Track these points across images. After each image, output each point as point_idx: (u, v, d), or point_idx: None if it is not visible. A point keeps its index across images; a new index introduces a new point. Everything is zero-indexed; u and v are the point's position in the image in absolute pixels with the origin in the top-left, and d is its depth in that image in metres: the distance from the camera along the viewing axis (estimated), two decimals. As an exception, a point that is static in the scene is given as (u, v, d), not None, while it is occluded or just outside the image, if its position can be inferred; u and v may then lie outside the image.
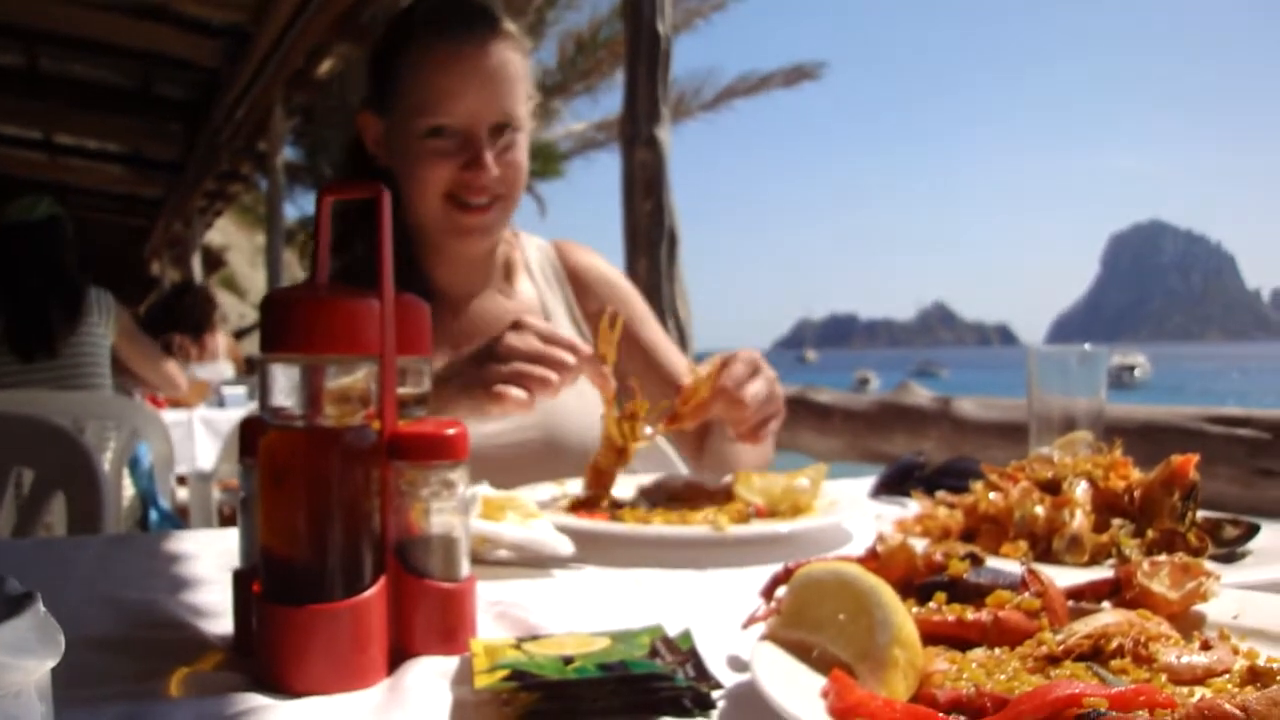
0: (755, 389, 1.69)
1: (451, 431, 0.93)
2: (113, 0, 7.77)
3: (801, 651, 0.83)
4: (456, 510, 0.94)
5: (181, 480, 4.86)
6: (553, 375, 1.57)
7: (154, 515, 4.21)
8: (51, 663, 0.58)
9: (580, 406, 2.08)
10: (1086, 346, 1.75)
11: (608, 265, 2.37)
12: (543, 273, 2.28)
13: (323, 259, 0.97)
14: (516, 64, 1.98)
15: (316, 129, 15.10)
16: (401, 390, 0.96)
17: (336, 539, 0.88)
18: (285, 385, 0.88)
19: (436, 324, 2.01)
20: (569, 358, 1.59)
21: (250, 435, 0.95)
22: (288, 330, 0.88)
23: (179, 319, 6.81)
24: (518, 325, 1.63)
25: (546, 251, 2.33)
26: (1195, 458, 1.32)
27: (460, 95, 1.91)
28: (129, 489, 4.31)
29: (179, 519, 4.38)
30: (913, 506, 1.54)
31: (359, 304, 0.90)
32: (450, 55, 1.92)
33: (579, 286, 2.29)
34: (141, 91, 10.39)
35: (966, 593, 0.91)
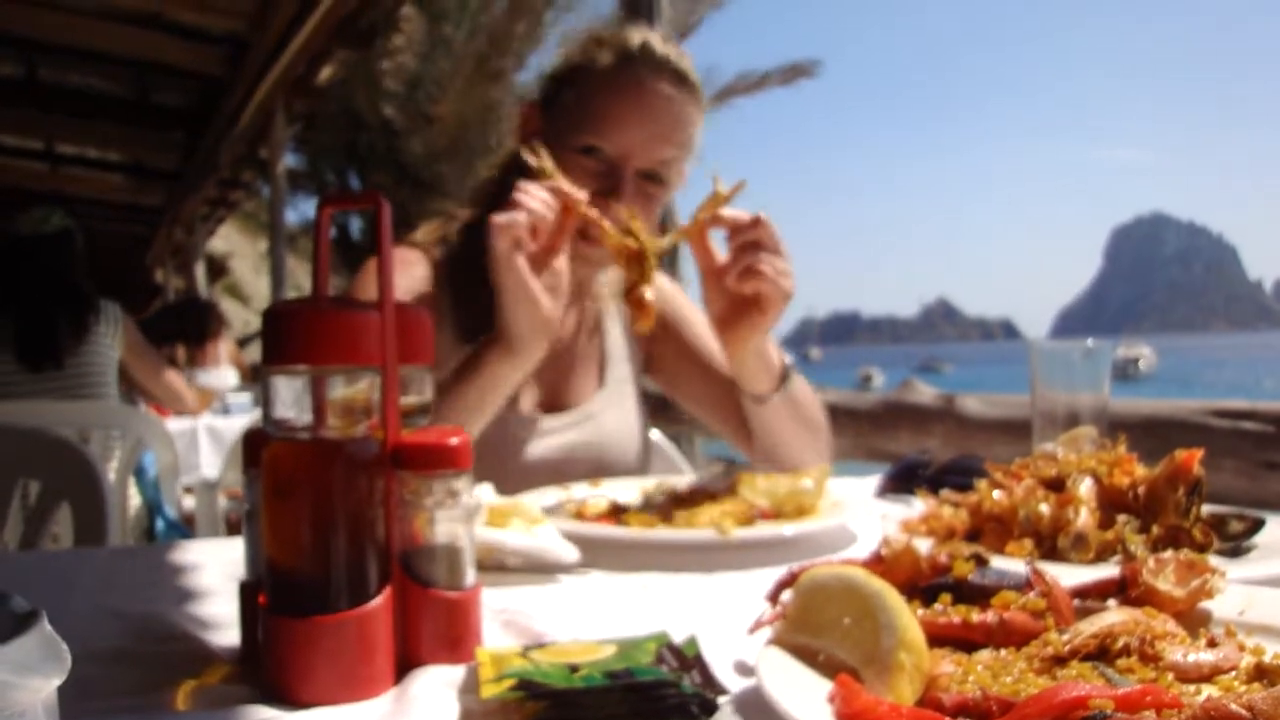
0: (769, 229, 1.78)
1: (455, 440, 0.93)
2: (110, 9, 7.77)
3: (807, 656, 0.83)
4: (461, 519, 0.94)
5: (188, 489, 4.87)
6: (520, 197, 1.67)
7: (160, 524, 4.22)
8: (57, 681, 0.58)
9: (624, 429, 2.11)
10: (1089, 341, 1.74)
11: (685, 301, 2.36)
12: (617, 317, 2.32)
13: (323, 270, 0.97)
14: (691, 120, 1.99)
15: (318, 135, 15.12)
16: (405, 400, 0.96)
17: (341, 550, 0.88)
18: (288, 397, 0.88)
19: None
20: (526, 184, 1.70)
21: (254, 447, 0.95)
22: (290, 342, 0.88)
23: (183, 331, 6.84)
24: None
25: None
26: (1199, 453, 1.32)
27: (626, 125, 1.92)
28: (135, 498, 4.32)
29: (185, 527, 4.39)
30: (918, 506, 1.54)
31: (360, 315, 0.90)
32: (632, 84, 1.93)
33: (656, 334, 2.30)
34: (141, 100, 10.38)
35: (972, 594, 0.91)
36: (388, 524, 0.92)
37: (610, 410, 2.19)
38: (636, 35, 1.98)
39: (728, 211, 1.77)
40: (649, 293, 1.70)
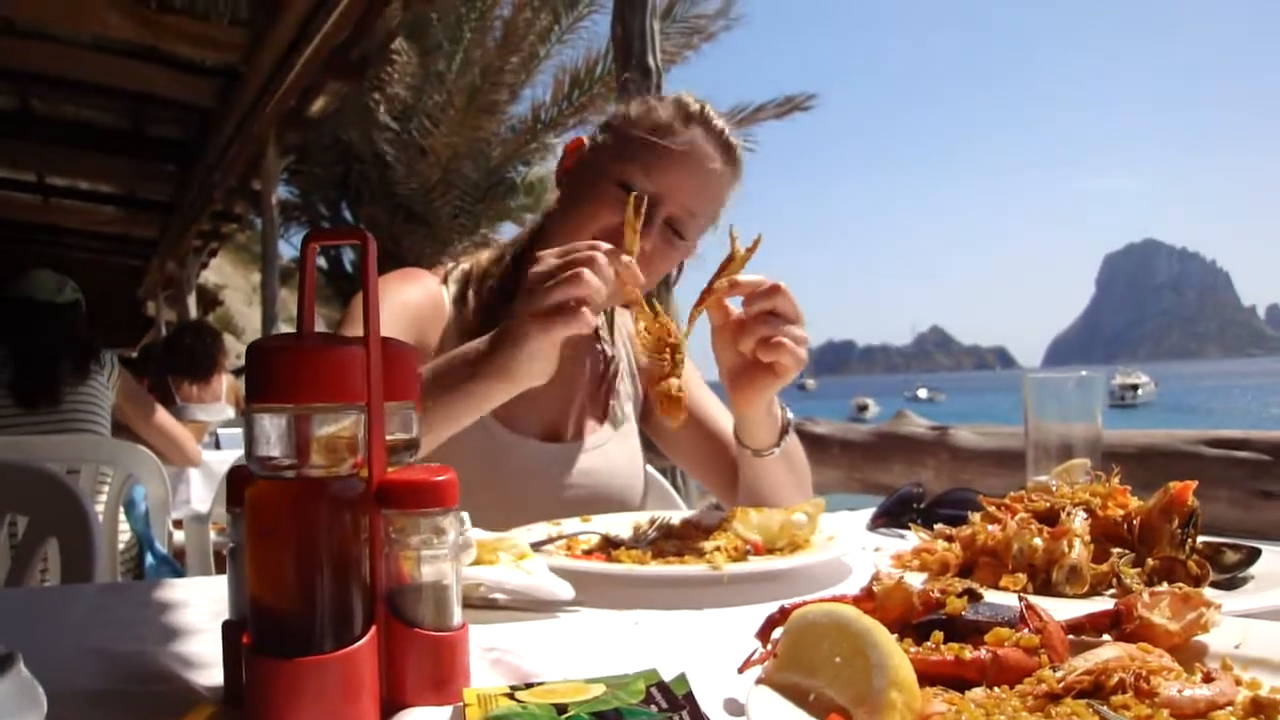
0: (788, 299, 1.74)
1: (441, 479, 0.92)
2: (104, 41, 7.79)
3: (798, 695, 0.82)
4: (448, 558, 0.93)
5: (178, 523, 4.84)
6: (583, 271, 1.57)
7: (150, 559, 4.20)
8: (33, 725, 0.57)
9: (626, 464, 2.12)
10: (1082, 372, 1.74)
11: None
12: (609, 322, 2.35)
13: (309, 305, 0.96)
14: (726, 189, 2.03)
15: (310, 168, 15.13)
16: (390, 437, 0.95)
17: (325, 589, 0.87)
18: (272, 435, 0.87)
19: None
20: (593, 253, 1.60)
21: (237, 485, 0.94)
22: (273, 380, 0.87)
23: (179, 360, 6.78)
24: (534, 259, 1.65)
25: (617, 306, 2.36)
26: (1193, 484, 1.31)
27: (669, 171, 1.94)
28: (125, 532, 4.30)
29: (176, 562, 4.36)
30: (911, 539, 1.53)
31: (345, 352, 0.89)
32: (685, 137, 1.96)
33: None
34: (134, 131, 10.41)
35: (964, 630, 0.90)
36: (373, 563, 0.90)
37: (617, 446, 2.23)
38: (696, 101, 2.02)
39: (746, 278, 1.74)
40: (678, 386, 1.68)
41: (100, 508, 3.79)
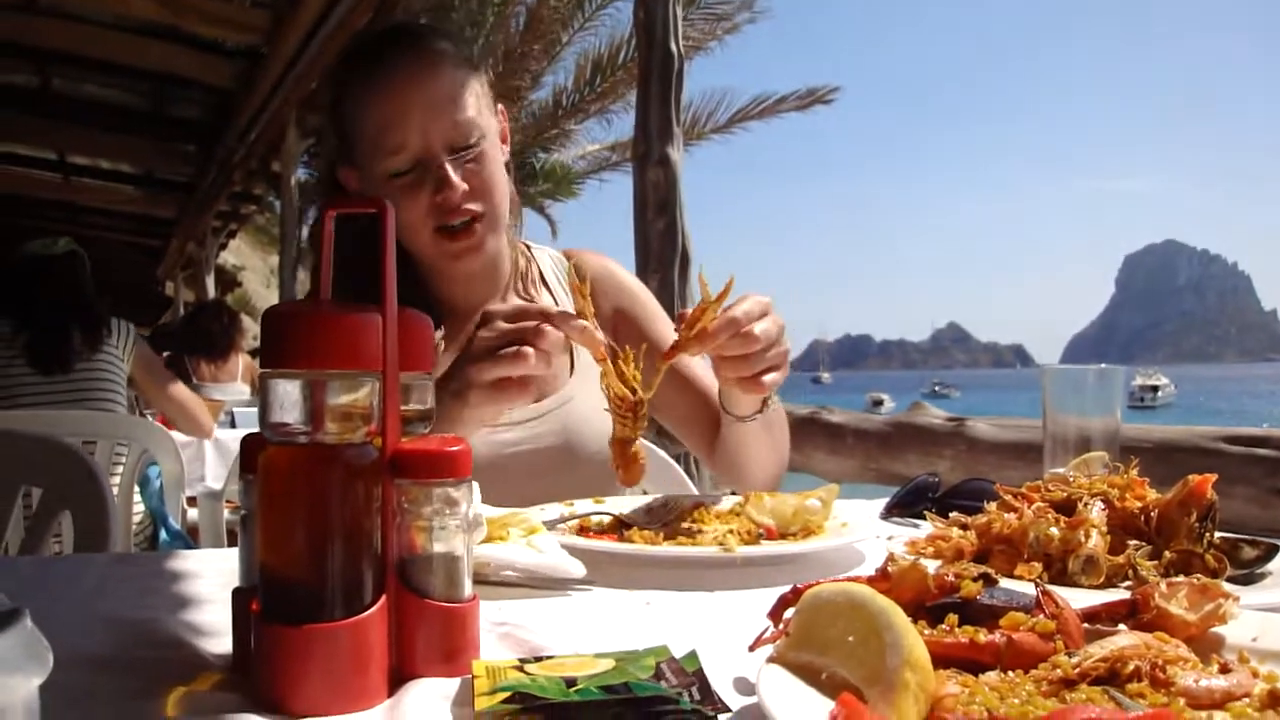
0: (764, 326, 1.63)
1: (455, 449, 0.92)
2: (125, 21, 7.82)
3: (810, 674, 0.81)
4: (459, 529, 0.93)
5: (192, 500, 4.86)
6: (526, 349, 1.55)
7: (164, 535, 4.22)
8: (39, 680, 0.56)
9: (596, 411, 2.06)
10: (1102, 365, 1.73)
11: (617, 266, 2.35)
12: (558, 281, 2.28)
13: (325, 274, 0.95)
14: (455, 78, 1.95)
15: (331, 150, 15.14)
16: (404, 407, 0.94)
17: (336, 558, 0.86)
18: (286, 401, 0.86)
19: (455, 336, 2.01)
20: (543, 325, 1.57)
21: (251, 451, 0.94)
22: (289, 345, 0.87)
23: (196, 339, 6.80)
24: (484, 318, 1.62)
25: (559, 260, 2.33)
26: (1213, 477, 1.30)
27: (405, 125, 1.89)
28: (140, 508, 4.31)
29: (189, 539, 4.38)
30: (925, 528, 1.52)
31: (361, 319, 0.88)
32: (384, 89, 1.91)
33: (591, 291, 2.28)
34: (155, 112, 10.44)
35: (979, 614, 0.89)
36: (384, 532, 0.90)
37: (580, 394, 2.13)
38: (363, 41, 1.98)
39: (713, 328, 1.60)
40: (636, 449, 1.66)
41: (115, 483, 3.80)
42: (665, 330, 2.24)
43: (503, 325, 1.59)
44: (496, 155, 2.01)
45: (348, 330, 0.87)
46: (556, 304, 2.20)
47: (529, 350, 1.55)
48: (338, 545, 0.86)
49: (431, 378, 1.00)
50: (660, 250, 5.25)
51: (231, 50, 8.42)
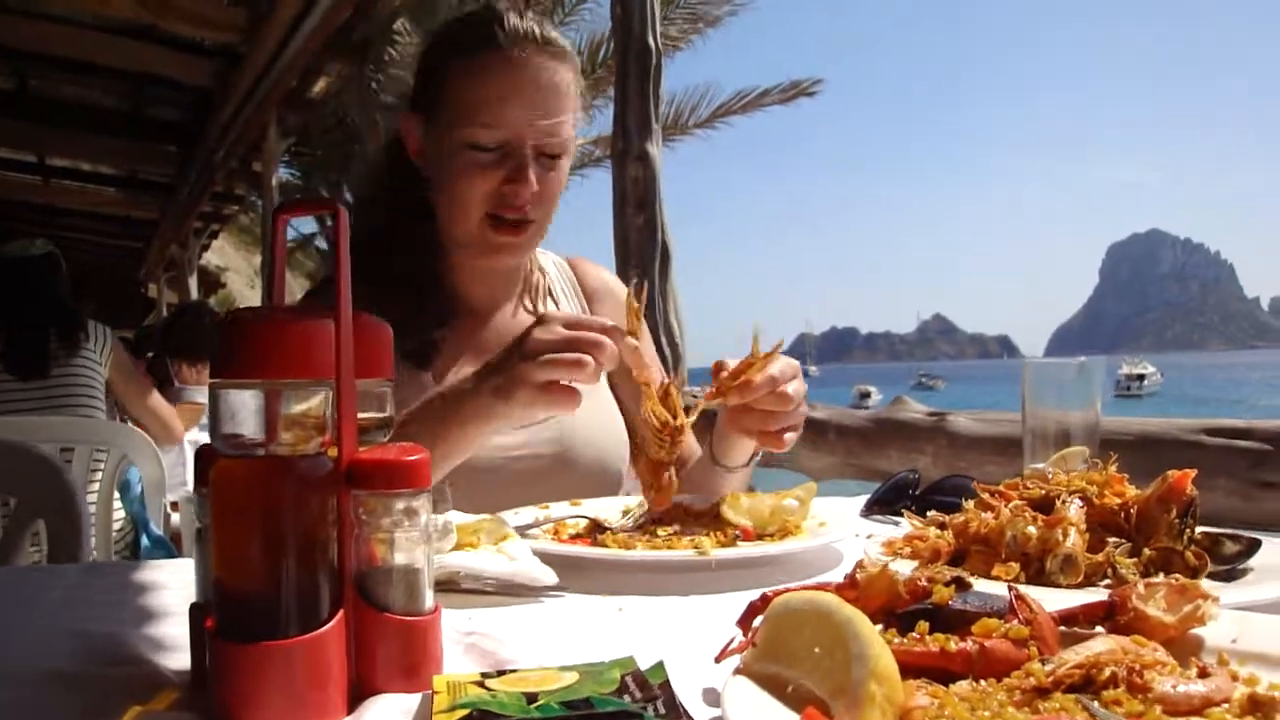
0: (796, 387, 1.70)
1: (413, 458, 0.89)
2: (103, 20, 7.76)
3: (776, 686, 0.79)
4: (420, 540, 0.90)
5: (174, 505, 4.82)
6: (586, 358, 1.54)
7: (145, 540, 4.18)
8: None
9: (593, 418, 2.04)
10: (1081, 359, 1.71)
11: (616, 281, 2.38)
12: (561, 288, 2.28)
13: (280, 279, 0.93)
14: (569, 83, 1.95)
15: (311, 149, 15.10)
16: (362, 415, 0.92)
17: (291, 572, 0.84)
18: (237, 412, 0.84)
19: (464, 336, 2.00)
20: (601, 337, 1.56)
21: (205, 464, 0.92)
22: (240, 354, 0.85)
23: (178, 340, 6.74)
24: (542, 320, 1.61)
25: (562, 267, 2.32)
26: (1192, 473, 1.28)
27: (508, 106, 1.87)
28: (120, 514, 4.28)
29: (171, 544, 4.35)
30: (905, 526, 1.50)
31: (314, 326, 0.86)
32: (505, 64, 1.89)
33: (592, 302, 2.29)
34: (134, 112, 10.37)
35: (951, 621, 0.87)
36: (342, 545, 0.88)
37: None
38: (498, 26, 1.93)
39: (759, 379, 1.66)
40: (670, 477, 1.67)
41: (94, 489, 3.78)
42: (652, 350, 2.23)
43: (562, 330, 1.57)
44: (565, 177, 2.00)
45: (301, 338, 0.85)
46: (559, 309, 2.21)
47: (589, 359, 1.54)
48: (292, 559, 0.84)
49: (391, 384, 0.98)
50: (640, 246, 5.24)
51: (210, 49, 8.36)
